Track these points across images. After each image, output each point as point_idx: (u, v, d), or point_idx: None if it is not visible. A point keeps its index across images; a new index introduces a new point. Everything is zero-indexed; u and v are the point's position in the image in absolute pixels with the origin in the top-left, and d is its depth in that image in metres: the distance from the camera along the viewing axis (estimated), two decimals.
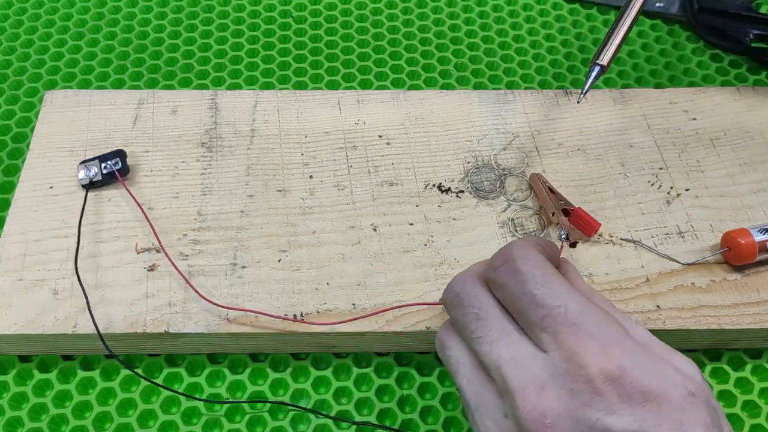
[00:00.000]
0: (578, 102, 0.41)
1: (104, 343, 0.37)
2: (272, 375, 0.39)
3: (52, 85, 0.51)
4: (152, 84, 0.52)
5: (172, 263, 0.39)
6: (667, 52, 0.55)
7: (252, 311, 0.38)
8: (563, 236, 0.40)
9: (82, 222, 0.41)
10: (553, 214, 0.42)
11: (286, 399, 0.39)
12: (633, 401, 0.25)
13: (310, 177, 0.44)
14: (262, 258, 0.40)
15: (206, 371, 0.39)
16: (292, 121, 0.47)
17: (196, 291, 0.38)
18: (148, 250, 0.40)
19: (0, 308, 0.38)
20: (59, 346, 0.39)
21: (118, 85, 0.52)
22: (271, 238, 0.41)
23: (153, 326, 0.37)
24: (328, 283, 0.40)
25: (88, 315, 0.38)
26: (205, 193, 0.43)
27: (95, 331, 0.37)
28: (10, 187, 0.46)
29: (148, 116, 0.46)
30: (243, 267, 0.40)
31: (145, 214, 0.41)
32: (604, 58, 0.40)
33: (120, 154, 0.43)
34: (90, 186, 0.42)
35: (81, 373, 0.39)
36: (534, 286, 0.27)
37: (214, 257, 0.40)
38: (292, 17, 0.56)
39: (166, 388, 0.37)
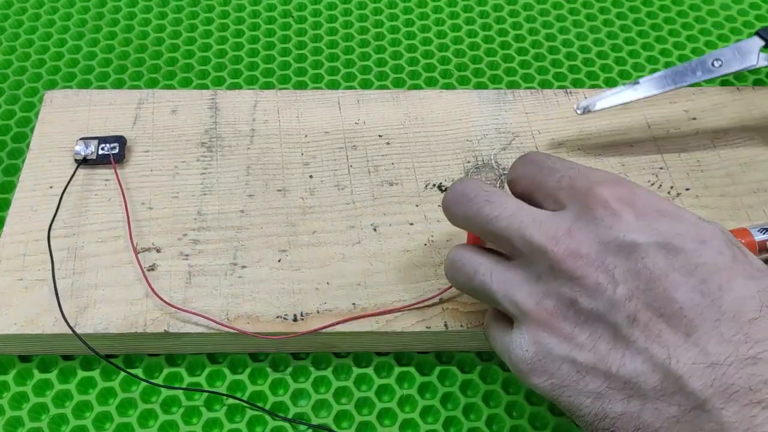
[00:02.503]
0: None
1: (77, 335, 0.37)
2: (272, 375, 0.39)
3: (52, 85, 0.51)
4: (152, 84, 0.52)
5: (134, 249, 0.39)
6: (668, 52, 0.55)
7: (202, 315, 0.38)
8: None
9: (66, 195, 0.41)
10: None
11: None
12: (649, 217, 0.27)
13: (310, 177, 0.44)
14: (262, 258, 0.40)
15: (206, 371, 0.39)
16: (292, 121, 0.47)
17: (152, 288, 0.38)
18: (148, 249, 0.40)
19: (0, 308, 0.38)
20: (59, 346, 0.39)
21: (118, 85, 0.52)
22: (271, 237, 0.41)
23: (153, 326, 0.37)
24: (328, 283, 0.40)
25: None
26: (205, 192, 0.43)
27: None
28: (10, 187, 0.46)
29: (148, 116, 0.46)
30: (243, 267, 0.40)
31: (125, 201, 0.42)
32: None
33: (120, 140, 0.44)
34: (83, 162, 0.43)
35: (81, 373, 0.39)
36: (552, 161, 0.31)
37: (214, 257, 0.40)
38: (293, 17, 0.56)
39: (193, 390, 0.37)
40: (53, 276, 0.38)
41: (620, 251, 0.27)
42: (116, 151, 0.44)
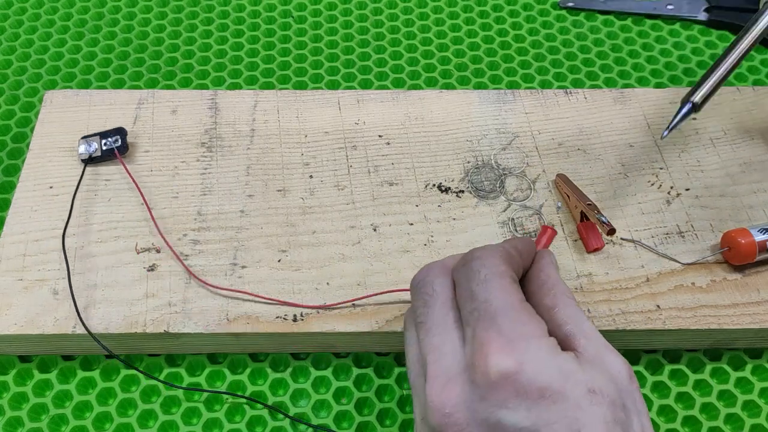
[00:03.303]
0: (662, 138, 0.38)
1: (98, 341, 0.37)
2: (272, 375, 0.39)
3: (52, 85, 0.51)
4: (152, 84, 0.52)
5: (175, 254, 0.39)
6: (668, 52, 0.55)
7: (251, 294, 0.38)
8: (605, 222, 0.39)
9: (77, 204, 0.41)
10: (591, 206, 0.40)
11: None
12: (528, 398, 0.25)
13: (310, 177, 0.44)
14: (262, 258, 0.40)
15: (206, 371, 0.39)
16: (292, 121, 0.47)
17: (199, 279, 0.38)
18: (148, 250, 0.40)
19: (0, 308, 0.38)
20: (59, 346, 0.39)
21: (118, 85, 0.52)
22: (271, 238, 0.41)
23: (153, 326, 0.37)
24: (328, 283, 0.39)
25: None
26: (205, 193, 0.43)
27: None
28: (10, 187, 0.46)
29: (148, 116, 0.46)
30: (243, 267, 0.40)
31: (141, 194, 0.42)
32: (697, 96, 0.37)
33: (121, 132, 0.44)
34: (89, 161, 0.43)
35: (81, 373, 0.39)
36: (475, 282, 0.28)
37: (214, 257, 0.40)
38: (293, 17, 0.56)
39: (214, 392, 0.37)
40: (69, 278, 0.38)
41: (484, 426, 0.25)
42: (119, 144, 0.44)
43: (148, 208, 0.41)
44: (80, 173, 0.43)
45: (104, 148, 0.43)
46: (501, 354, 0.26)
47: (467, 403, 0.26)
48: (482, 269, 0.29)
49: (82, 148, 0.43)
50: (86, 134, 0.45)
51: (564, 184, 0.43)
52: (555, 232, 0.37)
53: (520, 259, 0.31)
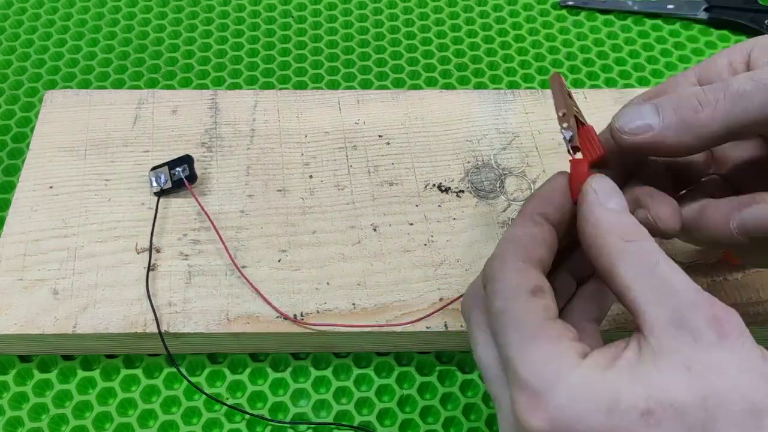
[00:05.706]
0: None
1: (164, 344, 0.37)
2: (272, 375, 0.39)
3: (52, 85, 0.51)
4: (152, 84, 0.52)
5: (243, 275, 0.39)
6: (667, 52, 0.55)
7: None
8: (566, 138, 0.33)
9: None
10: (563, 114, 0.35)
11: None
12: None
13: (310, 177, 0.44)
14: (262, 258, 0.40)
15: (206, 371, 0.39)
16: (292, 121, 0.47)
17: (263, 296, 0.38)
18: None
19: (0, 308, 0.38)
20: (59, 346, 0.39)
21: (118, 85, 0.52)
22: (271, 238, 0.41)
23: (153, 326, 0.37)
24: (328, 283, 0.39)
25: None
26: (205, 193, 0.43)
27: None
28: (10, 187, 0.46)
29: (148, 116, 0.46)
30: (243, 267, 0.40)
31: (211, 221, 0.41)
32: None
33: (188, 161, 0.43)
34: (161, 194, 0.42)
35: (81, 373, 0.39)
36: (492, 316, 0.26)
37: (214, 257, 0.40)
38: (293, 17, 0.56)
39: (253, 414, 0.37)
40: (158, 323, 0.38)
41: None
42: (187, 173, 0.42)
43: (220, 236, 0.40)
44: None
45: (174, 179, 0.42)
46: (529, 414, 0.23)
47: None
48: (496, 300, 0.26)
49: (152, 180, 0.42)
50: (155, 165, 0.43)
51: (560, 85, 0.34)
52: (594, 153, 0.30)
53: (546, 234, 0.28)
